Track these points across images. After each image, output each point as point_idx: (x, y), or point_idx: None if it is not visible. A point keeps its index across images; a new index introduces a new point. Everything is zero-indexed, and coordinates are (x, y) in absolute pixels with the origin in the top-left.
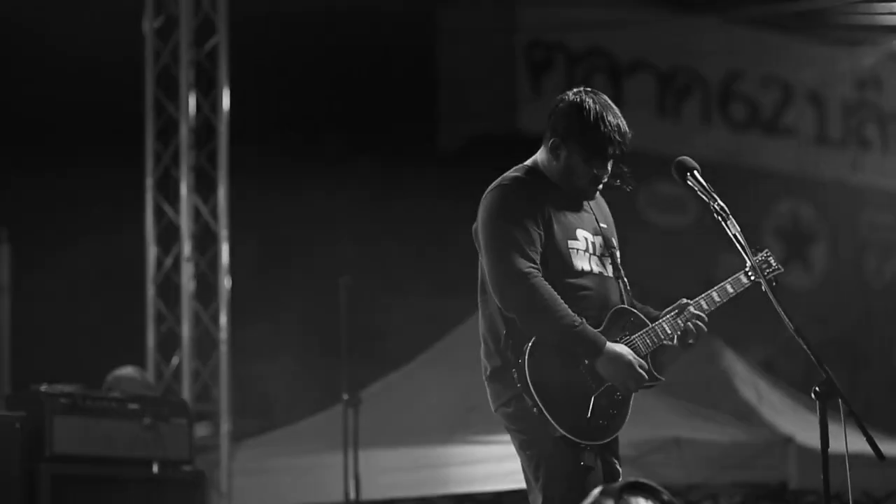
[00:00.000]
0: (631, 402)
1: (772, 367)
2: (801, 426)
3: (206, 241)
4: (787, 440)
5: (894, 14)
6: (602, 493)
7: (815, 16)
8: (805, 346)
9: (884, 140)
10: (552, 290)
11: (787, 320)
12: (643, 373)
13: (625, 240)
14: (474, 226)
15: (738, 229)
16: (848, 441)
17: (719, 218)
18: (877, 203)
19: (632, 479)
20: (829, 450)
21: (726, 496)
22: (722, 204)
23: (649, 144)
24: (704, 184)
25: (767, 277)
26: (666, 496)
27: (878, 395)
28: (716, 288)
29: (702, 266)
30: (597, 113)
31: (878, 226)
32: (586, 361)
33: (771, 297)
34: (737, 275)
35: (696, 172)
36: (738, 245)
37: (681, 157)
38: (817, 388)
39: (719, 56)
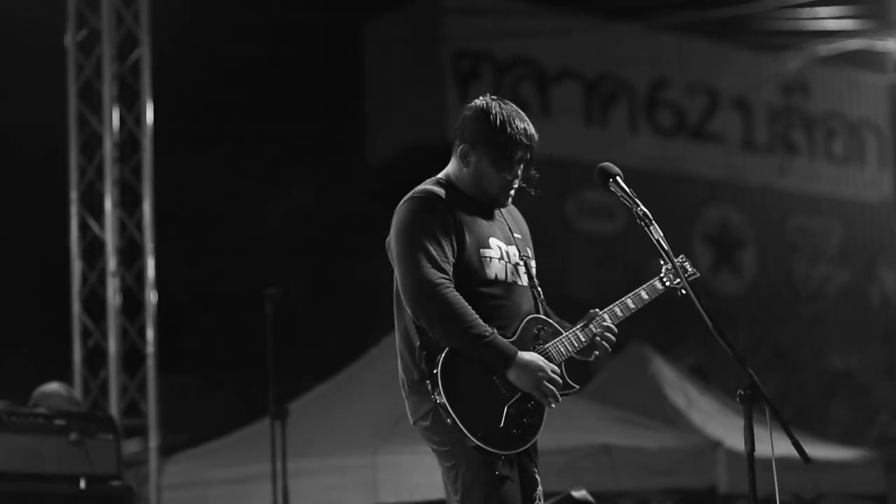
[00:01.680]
0: (545, 411)
1: (703, 372)
2: (731, 430)
3: (131, 255)
4: (716, 445)
5: (818, 19)
6: None
7: (739, 22)
8: (728, 349)
9: (810, 145)
10: (462, 300)
11: (709, 322)
12: (557, 380)
13: (554, 247)
14: (388, 238)
15: (661, 234)
16: (775, 444)
17: (642, 223)
18: (805, 208)
19: (567, 492)
20: (755, 453)
21: (657, 502)
22: (644, 209)
23: (577, 152)
24: (626, 189)
25: (685, 282)
26: None
27: (808, 399)
28: (630, 295)
29: (631, 272)
30: (503, 117)
31: (807, 230)
32: (498, 371)
33: (693, 299)
34: (651, 281)
35: (618, 178)
36: (660, 249)
37: (603, 164)
38: (742, 392)
39: (645, 63)
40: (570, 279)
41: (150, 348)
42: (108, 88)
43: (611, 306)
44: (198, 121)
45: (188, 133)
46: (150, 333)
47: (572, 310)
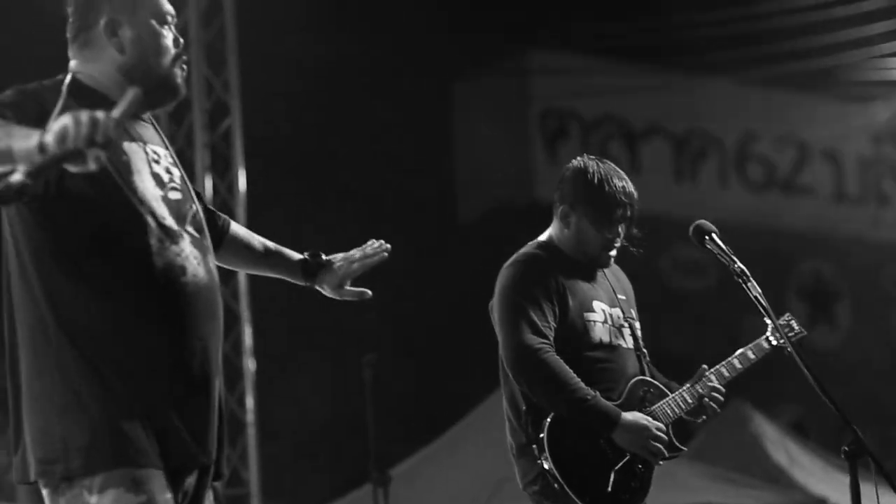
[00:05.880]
0: (653, 474)
1: (802, 428)
2: (834, 487)
3: (229, 322)
4: (821, 502)
5: None
6: None
7: (827, 73)
8: (833, 407)
9: None
10: (563, 364)
11: (814, 382)
12: (663, 437)
13: (647, 305)
14: (490, 303)
15: (759, 291)
16: (880, 500)
17: (740, 280)
18: None
19: None
20: None
21: None
22: (741, 266)
23: (667, 209)
24: (723, 246)
25: (792, 341)
26: None
27: None
28: (737, 354)
29: (726, 329)
30: (602, 176)
31: None
32: (604, 434)
33: (797, 360)
34: (758, 340)
35: (713, 235)
36: (760, 308)
37: (698, 221)
38: (846, 448)
39: (733, 118)
40: (663, 337)
41: (250, 417)
42: (199, 157)
43: (717, 366)
44: (288, 184)
45: (279, 197)
46: (249, 401)
47: (665, 368)
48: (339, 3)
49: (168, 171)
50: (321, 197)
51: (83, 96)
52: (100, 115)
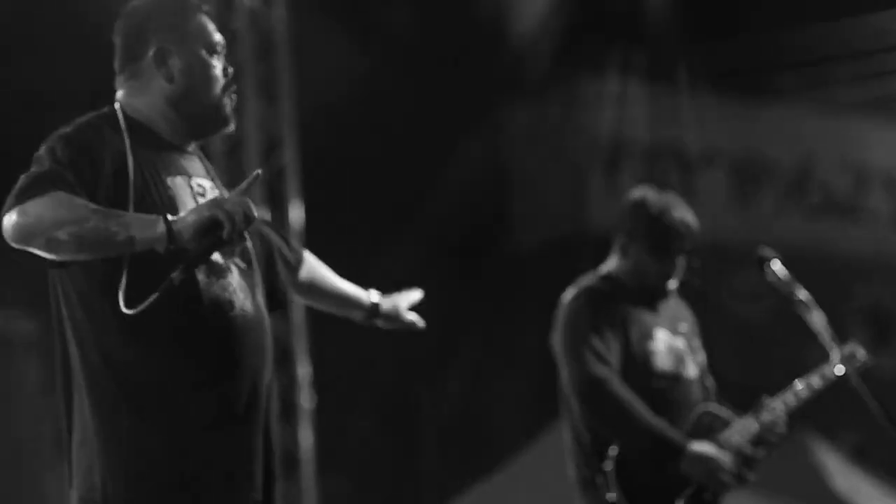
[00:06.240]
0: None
1: (864, 455)
2: None
3: (282, 358)
4: None
5: None
6: None
7: (887, 99)
8: None
9: None
10: (628, 394)
11: (878, 411)
12: (730, 467)
13: (708, 334)
14: (552, 335)
15: (823, 320)
16: None
17: (802, 309)
18: None
19: None
20: None
21: None
22: (804, 294)
23: (726, 236)
24: (785, 274)
25: (856, 370)
26: None
27: None
28: (800, 383)
29: (787, 357)
30: (660, 208)
31: None
32: (671, 464)
33: (861, 389)
34: (822, 369)
35: (775, 263)
36: (822, 337)
37: (760, 249)
38: None
39: (791, 143)
40: (723, 366)
41: (307, 452)
42: (256, 196)
43: (781, 395)
44: (343, 217)
45: (335, 231)
46: (305, 437)
47: (727, 397)
48: (393, 36)
49: None
50: (376, 230)
51: (138, 132)
52: (242, 205)
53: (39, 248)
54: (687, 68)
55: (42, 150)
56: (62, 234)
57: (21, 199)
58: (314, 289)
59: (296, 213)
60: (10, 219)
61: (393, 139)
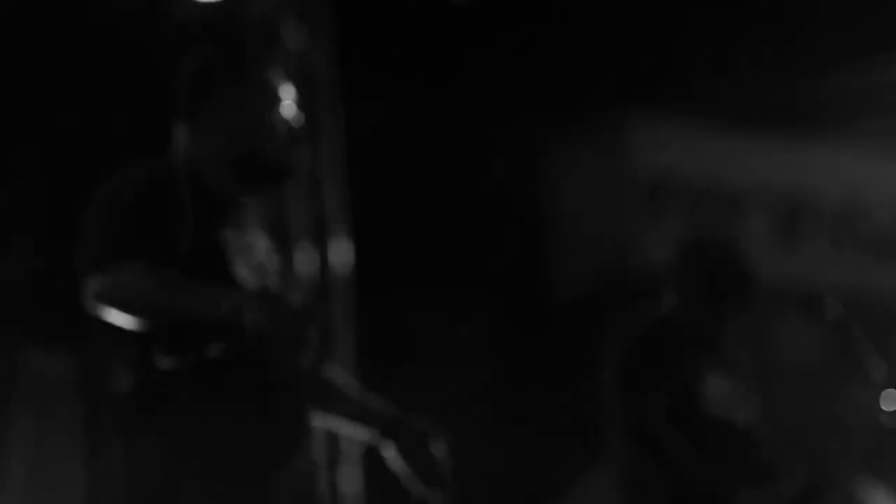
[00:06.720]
0: None
1: None
2: None
3: None
4: None
5: None
6: None
7: None
8: None
9: None
10: (681, 436)
11: None
12: None
13: (759, 379)
14: (602, 377)
15: (883, 364)
16: None
17: (857, 351)
18: None
19: None
20: None
21: None
22: (859, 335)
23: (773, 277)
24: (841, 314)
25: None
26: None
27: None
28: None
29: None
30: (709, 251)
31: None
32: None
33: None
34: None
35: (830, 304)
36: (881, 383)
37: (812, 291)
38: None
39: (839, 180)
40: (772, 410)
41: (354, 498)
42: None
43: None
44: (385, 261)
45: (380, 276)
46: (354, 483)
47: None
48: (437, 78)
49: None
50: (416, 273)
51: (195, 187)
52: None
53: None
54: (729, 104)
55: None
56: None
57: None
58: None
59: (346, 253)
60: None
61: (437, 182)
